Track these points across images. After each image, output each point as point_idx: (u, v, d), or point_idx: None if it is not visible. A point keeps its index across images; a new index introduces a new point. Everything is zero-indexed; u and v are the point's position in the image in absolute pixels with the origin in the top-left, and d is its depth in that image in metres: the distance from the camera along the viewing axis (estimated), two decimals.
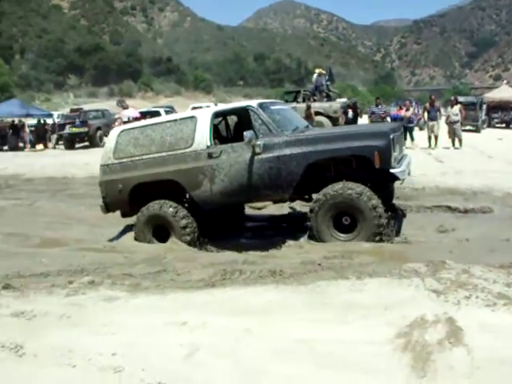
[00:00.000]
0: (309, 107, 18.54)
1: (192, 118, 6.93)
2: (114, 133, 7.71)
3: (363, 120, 21.79)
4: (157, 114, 26.02)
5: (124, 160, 7.21)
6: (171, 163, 6.77)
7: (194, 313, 3.92)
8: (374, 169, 5.96)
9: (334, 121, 19.16)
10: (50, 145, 25.84)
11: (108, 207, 7.51)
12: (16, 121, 26.16)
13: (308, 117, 19.64)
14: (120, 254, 6.44)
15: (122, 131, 7.57)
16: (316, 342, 3.25)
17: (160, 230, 6.85)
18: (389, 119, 19.97)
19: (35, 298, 4.62)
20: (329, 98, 20.83)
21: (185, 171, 6.67)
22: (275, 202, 7.24)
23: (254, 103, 6.76)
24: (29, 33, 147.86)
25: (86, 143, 25.65)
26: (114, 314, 4.06)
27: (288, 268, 5.03)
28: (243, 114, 6.96)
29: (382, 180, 6.32)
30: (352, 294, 4.04)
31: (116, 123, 24.80)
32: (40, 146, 24.84)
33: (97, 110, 28.51)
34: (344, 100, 20.33)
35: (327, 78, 21.74)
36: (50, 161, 19.37)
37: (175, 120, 7.13)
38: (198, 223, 6.79)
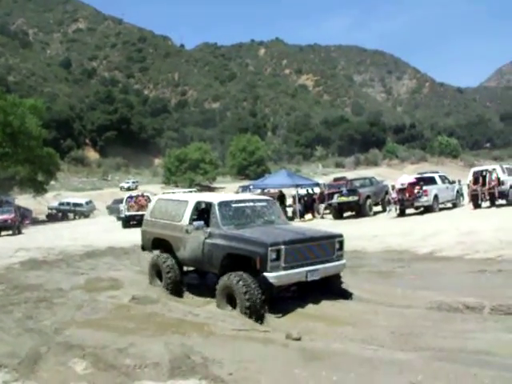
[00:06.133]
0: None
1: (186, 201, 9.12)
2: (155, 199, 10.63)
3: None
4: (432, 180, 22.95)
5: (153, 219, 9.73)
6: (169, 229, 9.05)
7: None
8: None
9: None
10: (317, 214, 24.58)
11: (143, 248, 10.17)
12: (284, 191, 25.77)
13: None
14: None
15: (158, 199, 10.35)
16: None
17: (159, 273, 9.07)
18: None
19: None
20: None
21: (173, 237, 8.94)
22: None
23: (216, 201, 8.47)
24: (279, 111, 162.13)
25: (353, 212, 23.73)
26: None
27: None
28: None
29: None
30: None
31: (391, 190, 22.69)
32: (308, 216, 23.69)
33: (364, 178, 26.62)
34: None
35: None
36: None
37: (179, 200, 9.54)
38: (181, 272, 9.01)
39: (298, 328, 6.58)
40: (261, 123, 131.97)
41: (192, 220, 8.67)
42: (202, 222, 8.26)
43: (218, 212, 8.23)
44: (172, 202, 9.71)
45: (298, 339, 5.82)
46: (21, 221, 31.50)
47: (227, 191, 47.26)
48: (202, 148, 73.04)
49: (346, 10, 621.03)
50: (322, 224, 21.73)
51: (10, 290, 9.64)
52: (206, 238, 8.10)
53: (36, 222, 40.59)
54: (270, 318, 7.06)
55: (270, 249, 7.10)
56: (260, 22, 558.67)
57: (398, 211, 21.39)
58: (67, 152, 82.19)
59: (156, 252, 9.61)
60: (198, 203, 9.08)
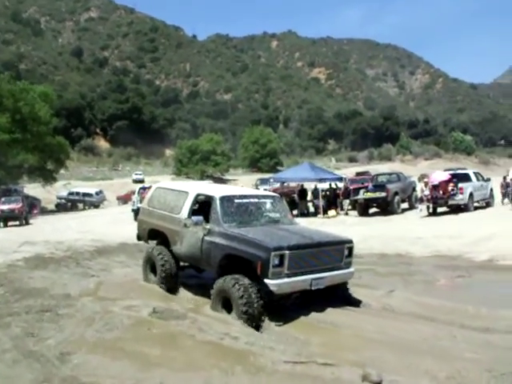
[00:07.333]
0: None
1: (186, 192, 8.53)
2: (154, 187, 9.87)
3: None
4: (466, 177, 21.36)
5: (150, 208, 9.30)
6: (167, 221, 8.60)
7: None
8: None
9: None
10: (341, 211, 23.14)
11: (138, 237, 9.82)
12: (305, 185, 24.33)
13: None
14: None
15: (157, 187, 9.67)
16: None
17: (154, 268, 8.56)
18: None
19: None
20: None
21: (170, 230, 8.49)
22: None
23: (217, 195, 7.86)
24: (291, 104, 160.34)
25: (378, 209, 22.26)
26: None
27: None
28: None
29: None
30: None
31: (424, 187, 21.16)
32: (332, 212, 22.23)
33: (390, 173, 25.08)
34: None
35: None
36: (362, 231, 15.63)
37: (179, 191, 8.87)
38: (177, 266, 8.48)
39: (362, 357, 5.24)
40: (273, 115, 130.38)
41: (191, 213, 8.15)
42: (201, 218, 7.73)
43: (219, 207, 7.67)
44: (171, 191, 9.12)
45: (379, 383, 4.43)
46: (29, 211, 30.34)
47: (241, 183, 45.86)
48: (213, 139, 71.67)
49: (358, 3, 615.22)
50: (349, 221, 20.34)
51: (11, 295, 8.28)
52: (204, 235, 7.59)
53: (45, 211, 39.51)
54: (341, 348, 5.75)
55: (272, 253, 6.49)
56: (273, 14, 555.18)
57: (430, 209, 19.93)
58: (77, 141, 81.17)
59: (151, 244, 9.09)
60: (199, 195, 8.44)
